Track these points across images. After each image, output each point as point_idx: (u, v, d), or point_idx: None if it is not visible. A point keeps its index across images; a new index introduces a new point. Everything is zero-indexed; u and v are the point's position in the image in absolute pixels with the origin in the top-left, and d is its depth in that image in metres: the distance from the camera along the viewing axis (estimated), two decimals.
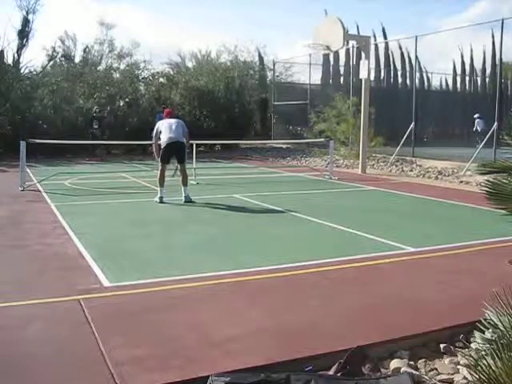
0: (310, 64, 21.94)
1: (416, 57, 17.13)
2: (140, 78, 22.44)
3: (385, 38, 24.23)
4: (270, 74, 25.22)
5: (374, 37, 24.20)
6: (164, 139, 8.86)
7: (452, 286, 4.45)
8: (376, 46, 22.66)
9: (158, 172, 8.91)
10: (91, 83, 20.49)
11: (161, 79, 22.91)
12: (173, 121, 9.07)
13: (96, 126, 17.49)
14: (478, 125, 18.40)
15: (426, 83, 23.44)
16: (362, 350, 3.05)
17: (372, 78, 19.15)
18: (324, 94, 21.35)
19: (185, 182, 8.96)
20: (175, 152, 8.92)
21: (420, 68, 21.61)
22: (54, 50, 22.69)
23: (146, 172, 13.33)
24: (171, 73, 23.63)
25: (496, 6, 49.31)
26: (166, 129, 8.90)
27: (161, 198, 8.78)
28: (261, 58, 25.56)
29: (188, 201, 8.79)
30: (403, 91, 21.10)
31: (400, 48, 21.10)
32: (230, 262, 5.26)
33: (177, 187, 9.05)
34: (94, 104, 20.06)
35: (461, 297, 4.17)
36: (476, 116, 18.85)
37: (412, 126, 15.68)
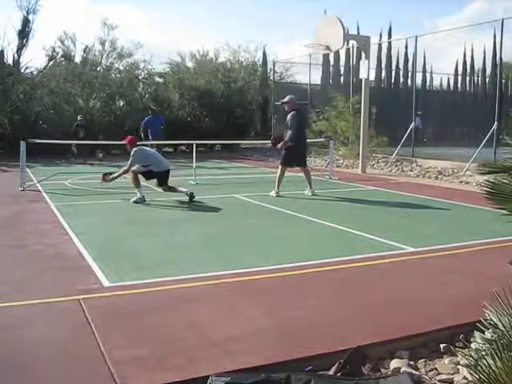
0: (310, 64, 21.93)
1: (415, 57, 17.14)
2: (140, 78, 22.44)
3: (390, 37, 24.23)
4: (269, 74, 25.18)
5: (381, 36, 24.27)
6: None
7: (452, 286, 4.45)
8: (380, 45, 22.67)
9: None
10: (91, 83, 20.49)
11: (157, 79, 22.90)
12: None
13: (82, 134, 16.74)
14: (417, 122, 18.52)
15: (425, 83, 23.45)
16: (361, 350, 3.05)
17: (372, 77, 19.16)
18: (324, 94, 21.33)
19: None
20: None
21: (423, 68, 21.64)
22: (54, 50, 22.65)
23: None
24: (170, 73, 23.59)
25: (490, 6, 49.40)
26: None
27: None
28: (264, 58, 25.51)
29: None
30: (403, 91, 21.10)
31: (406, 47, 21.11)
32: (230, 261, 5.26)
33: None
34: (94, 103, 20.06)
35: (461, 297, 4.17)
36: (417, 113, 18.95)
37: (412, 125, 15.70)
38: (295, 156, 9.55)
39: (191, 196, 8.90)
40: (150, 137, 15.42)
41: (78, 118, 17.45)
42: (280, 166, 9.62)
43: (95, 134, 18.35)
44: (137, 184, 8.86)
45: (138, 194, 8.83)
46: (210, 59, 24.27)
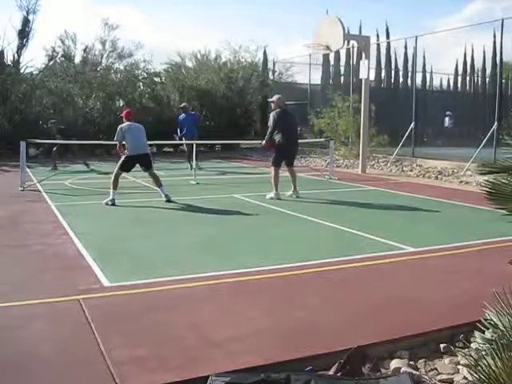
0: (310, 64, 21.92)
1: (415, 57, 17.13)
2: (140, 78, 22.44)
3: (387, 37, 24.21)
4: (269, 74, 25.17)
5: (378, 36, 24.25)
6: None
7: (452, 286, 4.45)
8: (378, 45, 22.65)
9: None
10: (91, 83, 20.49)
11: (155, 78, 22.90)
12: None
13: (58, 135, 13.57)
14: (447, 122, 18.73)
15: (425, 83, 23.43)
16: (361, 350, 3.05)
17: (372, 77, 19.15)
18: (324, 94, 21.32)
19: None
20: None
21: (423, 68, 21.61)
22: (54, 50, 22.63)
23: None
24: (170, 73, 23.59)
25: (490, 6, 49.42)
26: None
27: None
28: (265, 58, 25.48)
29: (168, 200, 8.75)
30: (403, 91, 21.08)
31: (405, 47, 21.07)
32: (230, 261, 5.26)
33: (176, 187, 9.06)
34: (94, 103, 20.04)
35: (461, 297, 4.17)
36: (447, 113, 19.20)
37: (412, 125, 15.69)
38: (285, 155, 9.52)
39: (168, 199, 8.77)
40: (184, 137, 14.23)
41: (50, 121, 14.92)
42: (272, 167, 9.57)
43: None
44: (115, 186, 8.72)
45: (110, 196, 8.62)
46: (213, 58, 24.25)
